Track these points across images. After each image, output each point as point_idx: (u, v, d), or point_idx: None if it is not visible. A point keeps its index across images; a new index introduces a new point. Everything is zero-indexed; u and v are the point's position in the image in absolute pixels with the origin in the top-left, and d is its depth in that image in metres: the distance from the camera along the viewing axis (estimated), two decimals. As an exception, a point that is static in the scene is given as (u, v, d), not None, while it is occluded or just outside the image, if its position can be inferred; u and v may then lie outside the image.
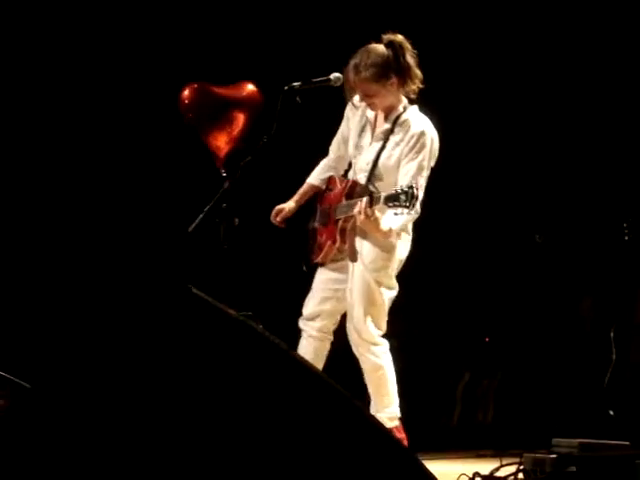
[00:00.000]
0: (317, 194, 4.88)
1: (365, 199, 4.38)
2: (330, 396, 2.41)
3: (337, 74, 4.65)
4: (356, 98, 4.70)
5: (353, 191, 4.63)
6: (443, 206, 6.09)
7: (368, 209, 4.33)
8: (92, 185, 6.37)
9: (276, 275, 6.46)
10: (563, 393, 5.57)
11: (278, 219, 4.89)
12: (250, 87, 5.22)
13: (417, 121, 4.56)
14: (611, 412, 5.26)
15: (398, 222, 4.42)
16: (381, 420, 4.55)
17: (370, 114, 4.68)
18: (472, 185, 6.31)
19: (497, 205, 6.28)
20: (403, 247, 4.62)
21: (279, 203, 6.34)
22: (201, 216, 4.64)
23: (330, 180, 4.84)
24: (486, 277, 6.15)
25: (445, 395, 5.65)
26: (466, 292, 6.13)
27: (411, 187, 4.20)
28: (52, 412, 2.56)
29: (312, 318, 4.73)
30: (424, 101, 4.65)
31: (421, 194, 4.42)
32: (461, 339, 5.86)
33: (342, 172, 4.85)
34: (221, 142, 5.13)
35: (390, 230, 4.43)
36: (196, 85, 5.21)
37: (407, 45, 4.55)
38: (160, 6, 6.52)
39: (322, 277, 4.76)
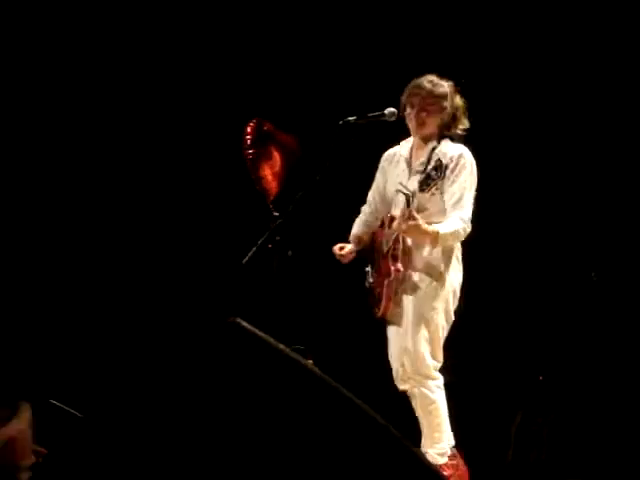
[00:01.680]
0: (367, 256, 4.89)
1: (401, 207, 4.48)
2: (381, 436, 2.40)
3: (391, 109, 4.69)
4: (391, 151, 4.83)
5: (392, 222, 4.67)
6: (498, 240, 6.05)
7: (406, 210, 4.37)
8: (149, 216, 6.44)
9: (330, 308, 6.46)
10: (618, 435, 5.48)
11: (343, 252, 4.89)
12: (292, 138, 5.31)
13: (453, 147, 4.64)
14: None
15: (446, 227, 4.46)
16: (431, 456, 4.52)
17: (405, 152, 4.76)
18: (529, 220, 6.26)
19: (554, 241, 6.22)
20: (454, 275, 4.63)
21: (333, 235, 6.36)
22: (255, 249, 4.66)
23: (374, 235, 4.88)
24: (541, 315, 6.08)
25: (498, 433, 5.59)
26: (520, 330, 6.06)
27: (438, 160, 4.32)
28: (102, 438, 2.60)
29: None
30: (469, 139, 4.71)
31: (470, 212, 4.51)
32: (515, 377, 5.79)
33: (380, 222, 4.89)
34: (269, 175, 5.17)
35: (438, 234, 4.43)
36: (255, 121, 5.27)
37: (455, 91, 4.71)
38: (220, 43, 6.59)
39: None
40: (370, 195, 4.95)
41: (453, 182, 4.53)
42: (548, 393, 5.60)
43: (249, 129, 5.22)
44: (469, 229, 4.51)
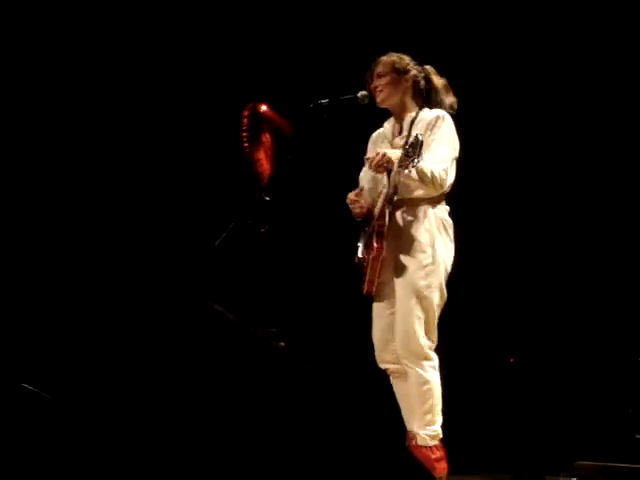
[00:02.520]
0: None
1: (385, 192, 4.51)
2: (352, 413, 2.41)
3: (364, 92, 4.68)
4: (376, 132, 4.81)
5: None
6: (476, 218, 6.06)
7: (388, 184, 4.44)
8: (121, 197, 6.42)
9: (305, 291, 6.46)
10: (587, 414, 5.52)
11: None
12: (286, 122, 5.27)
13: (431, 112, 4.64)
14: (638, 436, 5.21)
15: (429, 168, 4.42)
16: (422, 438, 4.46)
17: (387, 131, 4.77)
18: (502, 197, 6.29)
19: (526, 228, 6.25)
20: (444, 251, 4.55)
21: (305, 218, 6.36)
22: (226, 232, 4.64)
23: (368, 211, 4.78)
24: (512, 297, 6.12)
25: (467, 416, 5.62)
26: (492, 312, 6.09)
27: (415, 137, 4.25)
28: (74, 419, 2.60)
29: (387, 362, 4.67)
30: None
31: (452, 174, 4.51)
32: (486, 360, 5.83)
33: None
34: (263, 159, 5.13)
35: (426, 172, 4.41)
36: (251, 104, 5.22)
37: (434, 72, 4.74)
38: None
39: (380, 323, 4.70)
40: (362, 176, 4.87)
41: (432, 139, 4.51)
42: (519, 375, 5.64)
43: (246, 112, 5.16)
44: (444, 177, 4.46)
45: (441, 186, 4.51)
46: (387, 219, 4.54)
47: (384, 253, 4.51)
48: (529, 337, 5.89)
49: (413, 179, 4.46)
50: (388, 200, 4.54)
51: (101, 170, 6.44)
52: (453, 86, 4.70)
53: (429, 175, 4.45)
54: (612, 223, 5.99)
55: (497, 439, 5.55)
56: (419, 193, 4.56)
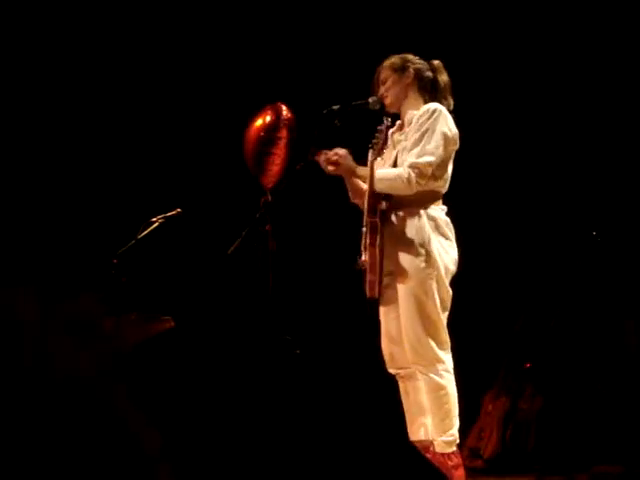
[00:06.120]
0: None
1: None
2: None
3: (375, 97, 4.65)
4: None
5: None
6: (485, 227, 6.05)
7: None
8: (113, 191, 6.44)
9: (315, 298, 6.45)
10: (606, 418, 5.48)
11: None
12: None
13: (424, 106, 4.57)
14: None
15: (383, 172, 4.40)
16: (440, 445, 4.42)
17: (394, 130, 4.70)
18: (516, 203, 6.27)
19: (540, 231, 6.23)
20: (442, 251, 4.45)
21: (316, 226, 6.36)
22: (239, 239, 4.61)
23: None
24: (527, 299, 6.08)
25: (485, 421, 5.58)
26: (507, 314, 6.06)
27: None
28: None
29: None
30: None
31: (426, 157, 4.38)
32: (502, 364, 5.78)
33: None
34: (277, 162, 5.04)
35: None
36: (273, 105, 5.15)
37: (442, 68, 4.67)
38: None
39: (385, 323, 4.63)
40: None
41: (417, 130, 4.44)
42: (535, 379, 5.60)
43: (267, 114, 5.05)
44: (417, 173, 4.36)
45: (410, 181, 4.39)
46: (378, 213, 4.43)
47: (378, 252, 4.39)
48: (548, 339, 5.86)
49: (385, 178, 4.40)
50: (374, 195, 4.44)
51: (100, 169, 6.49)
52: (454, 84, 4.66)
53: (388, 181, 4.39)
54: (616, 221, 5.99)
55: (514, 442, 5.50)
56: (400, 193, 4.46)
